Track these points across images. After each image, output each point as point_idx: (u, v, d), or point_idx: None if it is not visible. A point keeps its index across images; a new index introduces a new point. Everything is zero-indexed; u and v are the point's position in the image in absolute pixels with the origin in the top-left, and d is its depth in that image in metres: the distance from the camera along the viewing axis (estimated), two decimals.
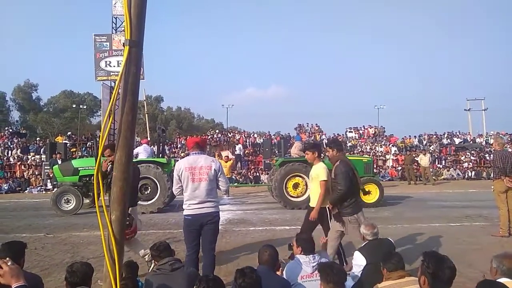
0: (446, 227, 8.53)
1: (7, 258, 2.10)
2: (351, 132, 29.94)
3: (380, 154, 25.89)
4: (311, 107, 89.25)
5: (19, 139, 25.95)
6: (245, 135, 29.62)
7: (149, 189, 11.62)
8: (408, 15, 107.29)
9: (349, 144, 27.24)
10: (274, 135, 29.86)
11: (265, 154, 23.76)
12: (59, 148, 19.86)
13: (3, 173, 21.36)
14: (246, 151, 26.01)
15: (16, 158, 22.73)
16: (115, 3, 22.66)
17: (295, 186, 11.94)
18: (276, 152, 23.30)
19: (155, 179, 11.55)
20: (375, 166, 24.41)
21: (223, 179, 4.63)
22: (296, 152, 12.78)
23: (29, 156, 22.77)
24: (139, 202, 11.15)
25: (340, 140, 25.87)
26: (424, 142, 27.70)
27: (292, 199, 11.88)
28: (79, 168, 12.03)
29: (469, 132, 31.15)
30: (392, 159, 25.13)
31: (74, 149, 22.77)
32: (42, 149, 23.01)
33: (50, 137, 33.40)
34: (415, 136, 28.43)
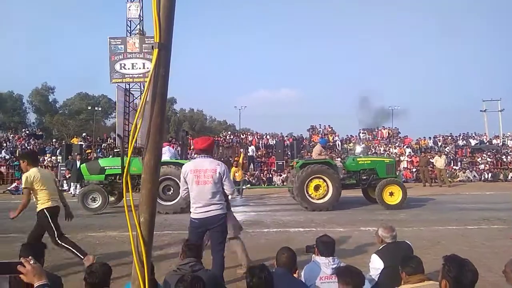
0: (463, 230, 8.39)
1: (30, 257, 2.13)
2: (365, 133, 29.72)
3: (394, 155, 25.62)
4: (324, 108, 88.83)
5: (36, 140, 26.44)
6: (258, 137, 29.62)
7: (172, 190, 11.74)
8: (416, 16, 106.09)
9: (362, 146, 27.00)
10: (286, 136, 29.81)
11: (278, 155, 23.79)
12: (74, 150, 20.13)
13: (20, 174, 21.75)
14: (259, 153, 26.00)
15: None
16: (129, 7, 22.95)
17: (316, 188, 11.83)
18: (289, 153, 23.33)
19: (177, 180, 11.65)
20: None
21: (228, 182, 4.63)
22: (316, 154, 12.75)
23: (46, 157, 23.15)
24: (161, 203, 11.45)
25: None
26: (439, 144, 27.33)
27: (313, 201, 11.79)
28: (105, 167, 12.34)
29: (485, 133, 30.64)
30: (407, 160, 24.85)
31: (89, 151, 23.07)
32: (58, 151, 23.38)
33: (66, 139, 33.89)
34: (429, 138, 28.08)
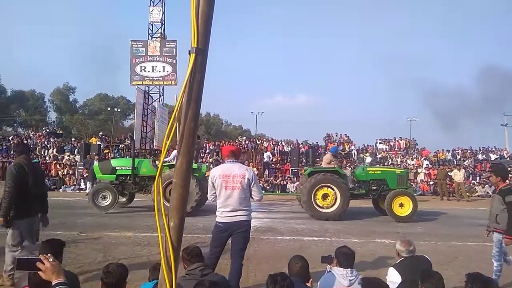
0: (481, 247, 8.17)
1: (49, 255, 2.15)
2: (382, 143, 29.38)
3: (411, 167, 25.25)
4: (341, 117, 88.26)
5: (56, 139, 26.93)
6: (273, 143, 29.58)
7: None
8: (435, 26, 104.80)
9: (379, 156, 26.73)
10: (301, 143, 29.69)
11: (293, 162, 23.69)
12: (93, 149, 20.47)
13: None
14: (274, 159, 25.96)
15: (52, 157, 23.57)
16: (152, 11, 23.33)
17: (324, 196, 11.74)
18: (304, 161, 23.21)
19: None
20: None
21: (256, 188, 4.62)
22: (326, 163, 12.65)
23: (65, 156, 23.57)
24: (167, 205, 11.37)
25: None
26: (458, 157, 26.82)
27: (321, 210, 11.69)
28: (116, 167, 12.55)
29: (505, 148, 29.92)
30: (424, 173, 24.43)
31: (107, 151, 23.41)
32: (76, 150, 23.79)
33: (85, 138, 34.50)
34: (448, 150, 27.57)
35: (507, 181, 5.69)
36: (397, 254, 3.88)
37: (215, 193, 4.57)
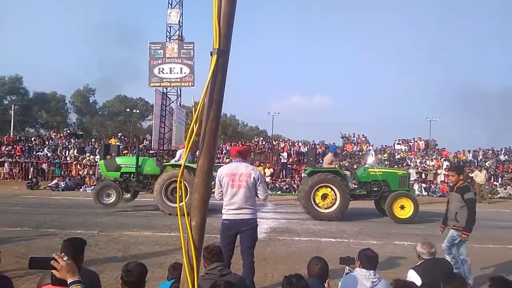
0: (503, 249, 8.01)
1: (62, 254, 2.20)
2: (400, 144, 28.95)
3: (431, 168, 24.83)
4: (358, 117, 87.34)
5: (76, 139, 27.51)
6: (290, 144, 29.50)
7: (180, 193, 11.82)
8: (457, 28, 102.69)
9: (397, 157, 26.35)
10: (318, 144, 29.50)
11: (310, 163, 23.51)
12: (112, 150, 20.78)
13: (61, 171, 22.73)
14: (290, 160, 25.90)
15: (72, 157, 24.08)
16: (170, 13, 23.59)
17: (324, 197, 11.65)
18: (321, 161, 23.08)
19: (186, 183, 11.80)
20: (426, 179, 23.49)
21: (262, 187, 4.76)
22: (327, 163, 12.59)
23: (85, 156, 24.05)
24: (168, 204, 11.69)
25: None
26: (479, 158, 26.23)
27: (320, 210, 11.61)
28: (121, 165, 12.76)
29: None
30: (444, 174, 23.97)
31: (126, 151, 23.75)
32: (96, 150, 24.24)
33: (104, 139, 35.11)
34: (469, 151, 26.99)
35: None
36: (418, 256, 3.84)
37: (222, 191, 4.69)
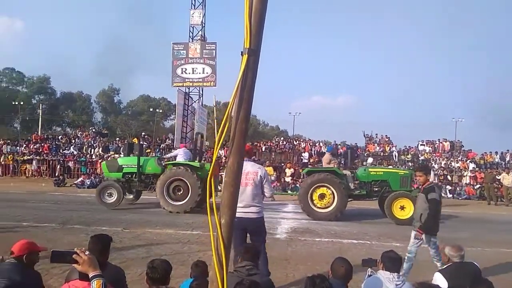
0: None
1: (84, 248, 2.27)
2: (424, 145, 28.36)
3: (456, 170, 24.23)
4: (380, 117, 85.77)
5: (101, 138, 28.16)
6: (311, 144, 29.35)
7: (182, 191, 12.04)
8: (490, 24, 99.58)
9: (421, 158, 25.83)
10: (339, 144, 29.24)
11: (346, 164, 23.31)
12: (135, 149, 21.18)
13: (86, 169, 23.31)
14: (312, 160, 25.76)
15: (98, 156, 24.66)
16: (192, 13, 23.85)
17: (321, 196, 11.52)
18: (342, 162, 22.85)
19: (187, 181, 11.94)
20: (451, 182, 22.92)
21: (267, 185, 4.97)
22: (326, 163, 12.47)
23: (110, 155, 24.58)
24: (171, 202, 11.87)
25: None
26: (507, 159, 25.41)
27: (318, 210, 11.50)
28: (123, 166, 12.96)
29: None
30: (470, 176, 23.37)
31: (149, 150, 24.15)
32: (121, 149, 24.73)
33: (128, 138, 35.81)
34: (496, 153, 26.19)
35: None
36: (447, 259, 3.74)
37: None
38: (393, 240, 8.78)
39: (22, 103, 45.73)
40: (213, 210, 1.93)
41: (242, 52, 1.80)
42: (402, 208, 11.26)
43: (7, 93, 52.11)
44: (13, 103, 45.35)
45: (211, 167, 2.09)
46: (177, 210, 11.79)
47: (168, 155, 13.27)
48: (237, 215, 4.58)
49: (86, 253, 2.20)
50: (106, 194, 12.47)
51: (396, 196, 11.33)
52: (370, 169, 12.64)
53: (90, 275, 2.16)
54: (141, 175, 12.74)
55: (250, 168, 4.80)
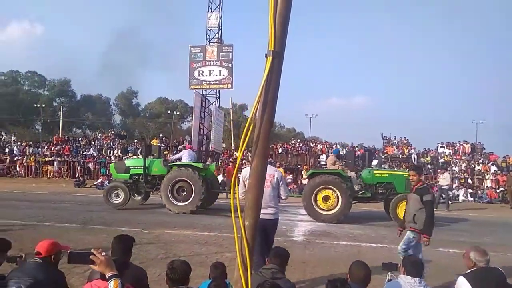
0: None
1: (100, 249, 2.32)
2: (443, 147, 27.82)
3: (477, 173, 23.69)
4: (399, 119, 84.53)
5: (120, 140, 28.58)
6: (327, 146, 29.15)
7: (185, 191, 12.13)
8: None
9: (441, 161, 25.35)
10: (357, 147, 28.96)
11: (348, 166, 23.11)
12: (153, 151, 21.42)
13: (106, 170, 23.69)
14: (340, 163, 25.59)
15: (117, 157, 25.03)
16: (209, 16, 24.01)
17: (326, 198, 11.41)
18: (360, 164, 22.62)
19: (190, 182, 12.03)
20: (472, 185, 22.42)
21: (283, 187, 5.16)
22: (330, 164, 12.35)
23: (128, 156, 24.92)
24: (175, 203, 11.98)
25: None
26: None
27: (322, 212, 11.38)
28: (130, 167, 13.21)
29: None
30: (491, 179, 22.82)
31: (166, 152, 24.40)
32: (139, 150, 25.07)
33: (146, 140, 36.26)
34: None
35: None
36: (472, 264, 3.62)
37: (245, 191, 4.79)
38: None
39: (43, 105, 46.93)
40: (236, 212, 1.93)
41: (266, 54, 1.80)
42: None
43: (29, 96, 53.58)
44: (35, 105, 46.56)
45: (235, 169, 2.11)
46: (180, 210, 11.93)
47: (174, 157, 13.47)
48: None
49: (102, 254, 2.25)
50: (113, 194, 12.70)
51: (401, 198, 11.13)
52: (375, 171, 12.50)
53: (107, 275, 2.21)
54: (147, 176, 12.93)
55: (267, 171, 4.85)
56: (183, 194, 12.15)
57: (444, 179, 17.00)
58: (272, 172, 4.94)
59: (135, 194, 13.47)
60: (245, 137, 1.90)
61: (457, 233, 10.48)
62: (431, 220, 5.54)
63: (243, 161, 17.10)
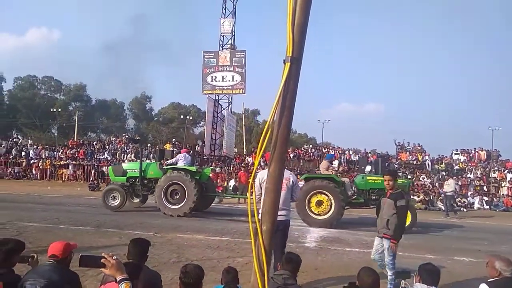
0: None
1: (110, 253, 2.35)
2: (458, 154, 27.43)
3: (493, 180, 23.28)
4: (413, 125, 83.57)
5: (133, 144, 28.91)
6: (340, 152, 28.99)
7: (179, 194, 12.25)
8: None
9: (456, 168, 24.99)
10: (369, 153, 28.72)
11: (361, 172, 22.92)
12: (166, 155, 21.60)
13: None
14: (341, 168, 25.43)
15: (130, 161, 25.30)
16: (223, 22, 24.21)
17: (319, 203, 11.42)
18: (373, 170, 22.42)
19: (183, 185, 12.15)
20: (488, 192, 22.03)
21: (297, 190, 5.40)
22: (323, 169, 12.29)
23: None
24: (168, 206, 12.14)
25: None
26: None
27: (315, 216, 11.39)
28: (127, 170, 13.42)
29: None
30: (508, 186, 22.41)
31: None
32: (152, 155, 25.30)
33: (159, 144, 36.59)
34: None
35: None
36: (498, 273, 3.53)
37: (261, 193, 5.03)
38: (426, 252, 8.52)
39: (59, 110, 47.74)
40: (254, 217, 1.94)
41: (284, 60, 1.82)
42: None
43: (46, 101, 54.58)
44: (51, 110, 47.42)
45: (252, 174, 2.13)
46: (174, 213, 12.07)
47: (171, 160, 13.66)
48: None
49: (113, 258, 2.29)
50: (111, 197, 12.91)
51: None
52: (368, 177, 12.49)
53: (118, 278, 2.25)
54: (143, 179, 13.14)
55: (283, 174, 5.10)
56: (176, 197, 12.33)
57: (448, 186, 16.84)
58: (288, 176, 5.05)
59: (133, 197, 13.77)
60: (263, 143, 1.92)
61: (472, 241, 10.30)
62: (402, 225, 5.51)
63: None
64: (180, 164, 13.13)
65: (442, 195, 18.08)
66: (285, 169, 5.10)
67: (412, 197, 19.86)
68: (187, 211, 12.05)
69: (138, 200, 13.91)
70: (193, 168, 12.80)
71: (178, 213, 12.02)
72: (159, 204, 12.26)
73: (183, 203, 12.12)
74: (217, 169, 19.53)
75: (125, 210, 12.93)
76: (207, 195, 13.40)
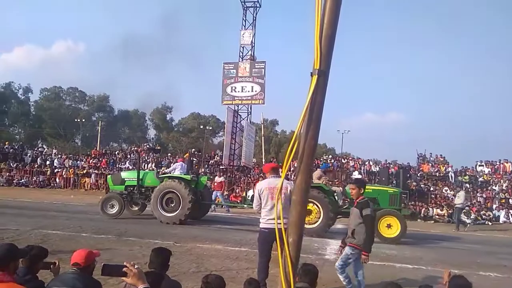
0: None
1: (132, 262, 2.39)
2: (482, 165, 26.71)
3: None
4: (435, 136, 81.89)
5: (154, 154, 29.33)
6: (360, 162, 28.68)
7: (174, 202, 12.38)
8: None
9: (480, 180, 24.33)
10: (390, 164, 28.29)
11: (381, 183, 22.60)
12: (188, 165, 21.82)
13: None
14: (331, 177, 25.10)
15: (151, 171, 25.65)
16: (243, 34, 24.51)
17: (308, 212, 11.10)
18: (394, 182, 22.03)
19: (178, 194, 12.27)
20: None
21: None
22: (315, 178, 12.08)
23: (161, 170, 25.47)
24: (164, 214, 12.28)
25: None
26: None
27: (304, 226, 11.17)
28: (125, 179, 13.64)
29: None
30: None
31: (197, 166, 24.77)
32: (172, 164, 25.61)
33: (179, 154, 36.99)
34: None
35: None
36: None
37: (260, 203, 5.33)
38: (450, 266, 8.23)
39: (83, 120, 48.99)
40: (280, 230, 1.95)
41: (311, 73, 1.84)
42: (389, 226, 11.01)
43: (70, 111, 56.14)
44: (75, 120, 48.70)
45: (280, 185, 2.14)
46: (169, 221, 12.18)
47: (168, 169, 13.92)
48: (269, 226, 5.09)
49: (135, 267, 2.34)
50: (109, 205, 13.09)
51: (383, 213, 11.02)
52: None
53: (139, 287, 2.29)
54: (141, 187, 13.33)
55: (283, 184, 5.19)
56: (172, 205, 12.47)
57: (458, 198, 16.41)
58: (286, 185, 5.15)
59: (132, 205, 14.03)
60: (290, 155, 1.94)
61: (498, 256, 9.99)
62: (370, 236, 5.39)
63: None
64: (177, 173, 13.38)
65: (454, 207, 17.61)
66: (284, 180, 5.15)
67: (429, 208, 19.40)
68: (183, 218, 12.22)
69: (137, 208, 14.20)
70: (188, 177, 13.02)
71: (174, 221, 12.21)
72: (155, 211, 12.48)
73: (178, 211, 12.30)
74: (221, 178, 19.58)
75: (143, 217, 13.08)
76: (203, 203, 13.59)
